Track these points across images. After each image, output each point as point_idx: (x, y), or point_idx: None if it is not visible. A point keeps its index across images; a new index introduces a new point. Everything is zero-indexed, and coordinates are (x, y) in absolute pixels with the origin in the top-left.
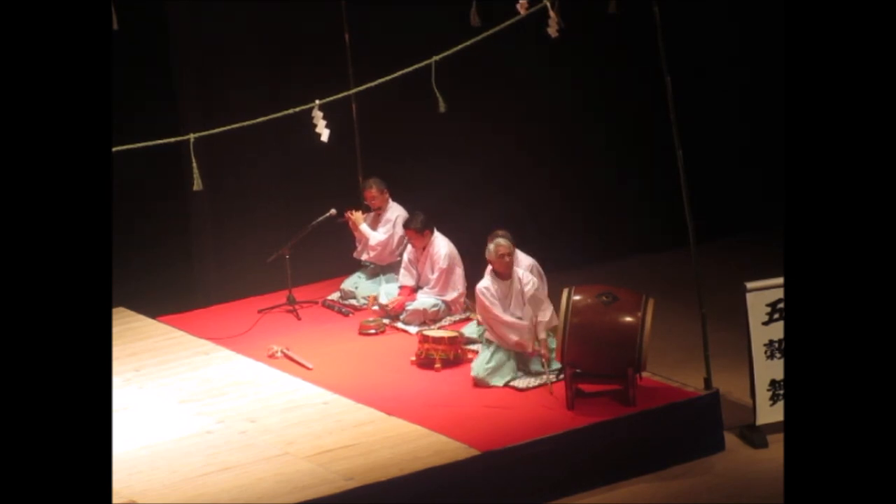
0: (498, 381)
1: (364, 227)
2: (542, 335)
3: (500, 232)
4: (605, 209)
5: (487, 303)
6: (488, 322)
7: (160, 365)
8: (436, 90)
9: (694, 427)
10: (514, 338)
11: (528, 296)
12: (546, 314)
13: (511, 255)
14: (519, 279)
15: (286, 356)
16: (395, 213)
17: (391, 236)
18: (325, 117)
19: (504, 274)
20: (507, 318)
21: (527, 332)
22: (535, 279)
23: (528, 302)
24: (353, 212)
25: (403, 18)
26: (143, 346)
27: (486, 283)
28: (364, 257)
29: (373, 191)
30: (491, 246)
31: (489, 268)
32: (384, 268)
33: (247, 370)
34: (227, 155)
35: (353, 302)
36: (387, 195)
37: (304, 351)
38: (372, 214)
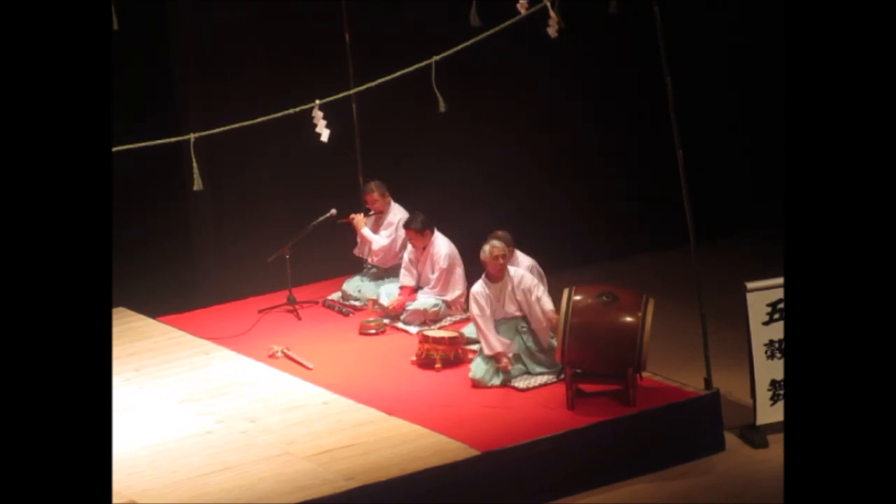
0: (496, 381)
1: (366, 232)
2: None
3: (500, 232)
4: (605, 209)
5: (477, 309)
6: (475, 326)
7: (160, 365)
8: (436, 90)
9: (694, 427)
10: (493, 344)
11: (524, 289)
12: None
13: (505, 257)
14: (510, 278)
15: (286, 356)
16: (398, 216)
17: (394, 240)
18: (325, 117)
19: (496, 276)
20: (491, 336)
21: (502, 347)
22: (528, 275)
23: (529, 302)
24: (354, 216)
25: (403, 18)
26: (143, 346)
27: (478, 289)
28: (367, 258)
29: (374, 194)
30: (486, 248)
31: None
32: (387, 270)
33: (247, 370)
34: (227, 155)
35: (355, 302)
36: (388, 198)
37: (304, 351)
38: (373, 217)
